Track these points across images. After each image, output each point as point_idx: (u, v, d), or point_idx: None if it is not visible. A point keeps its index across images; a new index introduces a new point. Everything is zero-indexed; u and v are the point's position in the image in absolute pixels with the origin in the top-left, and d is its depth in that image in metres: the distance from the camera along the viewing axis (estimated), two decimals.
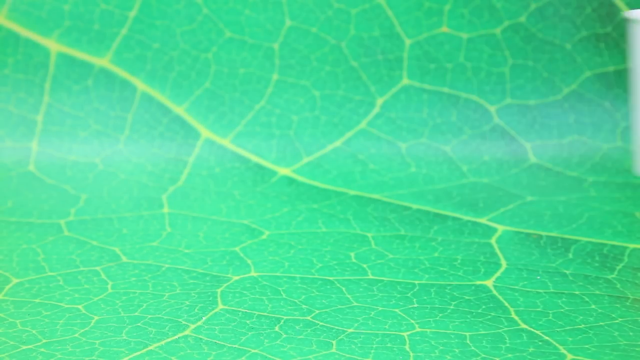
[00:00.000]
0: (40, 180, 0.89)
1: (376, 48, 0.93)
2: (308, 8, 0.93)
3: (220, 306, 0.61)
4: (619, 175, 0.87)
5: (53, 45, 0.94)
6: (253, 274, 0.67)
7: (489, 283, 0.64)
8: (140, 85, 0.94)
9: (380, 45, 0.93)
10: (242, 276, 0.67)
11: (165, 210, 0.81)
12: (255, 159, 0.93)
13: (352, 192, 0.85)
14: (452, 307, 0.61)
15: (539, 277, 0.64)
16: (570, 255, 0.68)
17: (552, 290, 0.63)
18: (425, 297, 0.62)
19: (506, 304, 0.61)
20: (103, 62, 0.94)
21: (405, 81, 0.94)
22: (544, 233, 0.73)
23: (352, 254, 0.69)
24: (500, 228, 0.74)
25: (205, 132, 0.94)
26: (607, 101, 0.92)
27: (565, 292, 0.62)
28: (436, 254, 0.69)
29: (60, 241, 0.73)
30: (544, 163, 0.89)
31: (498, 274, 0.66)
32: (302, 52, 0.94)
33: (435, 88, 0.94)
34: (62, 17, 0.93)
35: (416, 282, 0.65)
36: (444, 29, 0.93)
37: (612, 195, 0.82)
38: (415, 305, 0.61)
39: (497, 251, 0.69)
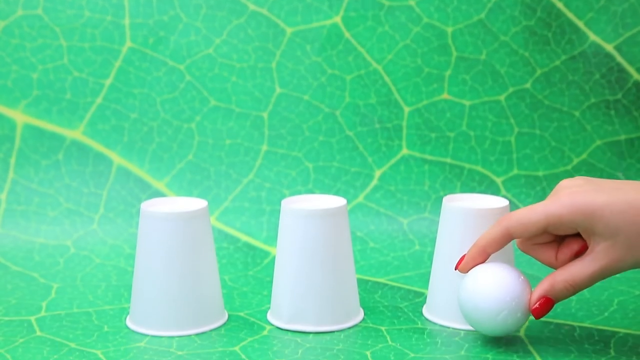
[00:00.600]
0: (4, 268, 0.79)
1: (373, 116, 0.87)
2: (300, 74, 0.87)
3: None
4: None
5: (19, 117, 0.85)
6: None
7: None
8: (117, 158, 0.86)
9: (377, 113, 0.87)
10: None
11: None
12: (244, 237, 0.85)
13: (356, 276, 0.78)
14: None
15: None
16: (612, 352, 0.61)
17: None
18: None
19: None
20: (75, 134, 0.85)
21: (405, 151, 0.87)
22: (575, 324, 0.66)
23: (368, 353, 0.62)
24: None
25: None
26: (619, 172, 0.86)
27: None
28: (462, 352, 0.62)
29: (32, 343, 0.64)
30: None
31: None
32: (293, 122, 0.87)
33: (437, 158, 0.87)
34: (30, 86, 0.84)
35: None
36: (445, 95, 0.87)
37: (639, 276, 0.76)
38: None
39: (531, 348, 0.62)
